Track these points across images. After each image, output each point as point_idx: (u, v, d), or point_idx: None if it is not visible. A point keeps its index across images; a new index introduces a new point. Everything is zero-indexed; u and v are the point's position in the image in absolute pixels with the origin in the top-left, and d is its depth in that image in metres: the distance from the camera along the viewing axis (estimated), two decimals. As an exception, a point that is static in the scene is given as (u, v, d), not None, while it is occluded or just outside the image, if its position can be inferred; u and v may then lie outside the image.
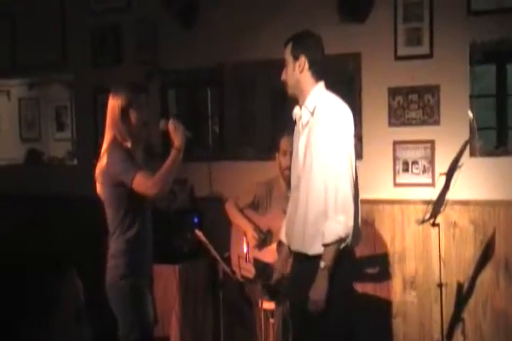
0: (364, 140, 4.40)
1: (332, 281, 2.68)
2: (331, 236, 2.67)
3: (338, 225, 2.66)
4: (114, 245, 3.11)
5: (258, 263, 3.90)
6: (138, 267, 3.11)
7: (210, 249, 3.75)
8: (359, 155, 4.38)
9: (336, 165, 2.70)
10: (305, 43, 2.85)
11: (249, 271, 3.87)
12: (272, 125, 4.78)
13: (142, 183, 3.00)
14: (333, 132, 2.71)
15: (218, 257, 3.79)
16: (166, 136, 3.17)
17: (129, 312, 3.06)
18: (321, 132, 2.74)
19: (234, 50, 4.80)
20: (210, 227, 4.39)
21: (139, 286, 3.10)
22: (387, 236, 4.37)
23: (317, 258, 2.71)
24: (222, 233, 4.23)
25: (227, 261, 3.98)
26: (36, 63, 5.51)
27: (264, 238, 4.01)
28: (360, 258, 3.94)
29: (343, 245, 2.70)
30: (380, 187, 4.36)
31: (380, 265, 4.37)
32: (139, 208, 3.12)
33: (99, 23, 5.27)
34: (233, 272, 3.86)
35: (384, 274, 4.36)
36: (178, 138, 3.08)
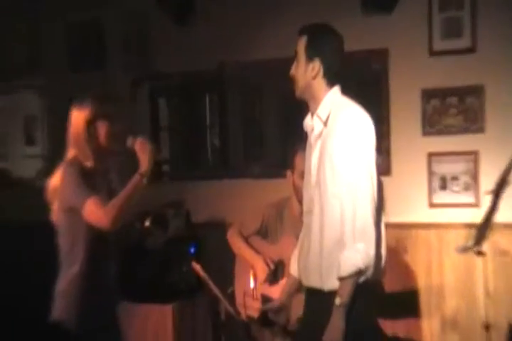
0: (393, 152, 4.41)
1: (351, 321, 2.67)
2: (347, 268, 2.66)
3: (357, 254, 2.66)
4: (60, 281, 3.12)
5: (267, 301, 3.88)
6: (84, 311, 3.08)
7: (210, 284, 3.72)
8: (387, 170, 4.40)
9: (354, 184, 2.69)
10: (322, 44, 2.83)
11: (256, 310, 3.80)
12: (282, 136, 4.81)
13: (92, 212, 3.01)
14: (350, 145, 2.70)
15: (220, 294, 3.76)
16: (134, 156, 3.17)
17: None
18: (336, 145, 2.72)
19: (236, 49, 4.83)
20: (209, 259, 4.38)
21: (89, 332, 3.08)
22: (421, 267, 4.36)
23: (334, 294, 2.70)
24: (224, 265, 4.21)
25: (231, 298, 3.95)
26: (1, 66, 5.54)
27: (275, 271, 3.98)
28: (389, 293, 3.92)
29: (362, 278, 2.69)
30: (413, 208, 4.37)
31: (413, 302, 4.36)
32: (95, 240, 3.10)
33: (78, 18, 5.30)
34: (237, 312, 3.84)
35: (418, 313, 4.34)
36: (144, 160, 3.08)
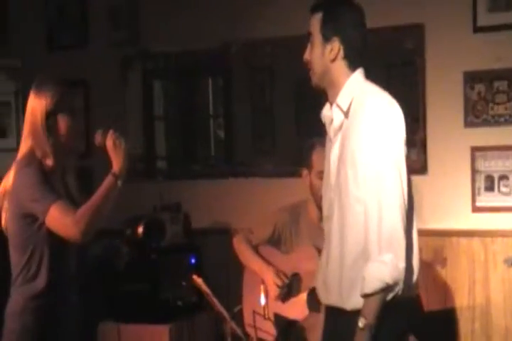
0: (429, 147, 4.41)
1: None
2: (373, 283, 2.64)
3: (383, 267, 2.64)
4: (13, 298, 3.10)
5: (281, 321, 3.90)
6: (42, 335, 3.08)
7: (214, 301, 3.74)
8: (423, 168, 4.41)
9: (380, 185, 2.68)
10: (340, 21, 2.81)
11: (268, 332, 3.87)
12: (297, 128, 4.81)
13: (58, 220, 2.98)
14: (375, 140, 2.69)
15: (225, 313, 3.77)
16: (105, 153, 3.14)
17: None
18: (359, 140, 2.71)
19: (244, 25, 4.84)
20: (212, 271, 4.42)
21: None
22: (463, 282, 4.36)
23: (357, 314, 2.67)
24: (230, 279, 4.27)
25: (238, 317, 3.96)
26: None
27: (289, 286, 4.00)
28: (425, 313, 3.93)
29: (390, 295, 2.67)
30: (453, 212, 4.38)
31: (454, 323, 4.35)
32: (56, 251, 3.09)
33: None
34: (246, 334, 3.85)
35: (459, 336, 4.34)
36: (118, 159, 3.08)
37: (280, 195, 4.52)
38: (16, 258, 3.12)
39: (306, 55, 2.86)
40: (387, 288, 2.65)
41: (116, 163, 3.07)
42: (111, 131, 3.11)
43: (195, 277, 3.78)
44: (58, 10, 5.38)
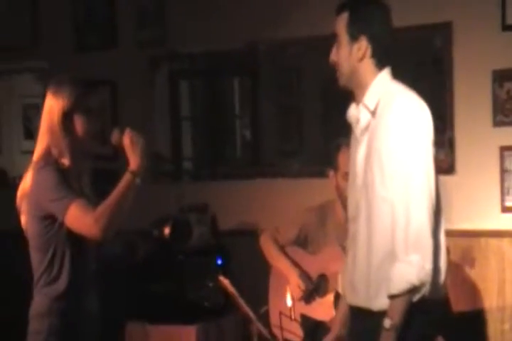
0: (458, 146, 4.39)
1: None
2: (399, 284, 2.65)
3: (410, 268, 2.65)
4: (37, 300, 3.12)
5: (307, 323, 3.90)
6: (68, 335, 3.10)
7: (240, 302, 3.73)
8: (451, 167, 4.39)
9: (407, 185, 2.68)
10: (368, 18, 2.81)
11: (294, 333, 3.85)
12: (324, 128, 4.80)
13: (78, 219, 2.98)
14: (403, 140, 2.69)
15: (252, 314, 3.76)
16: (121, 152, 3.12)
17: None
18: (386, 141, 2.71)
19: (271, 24, 4.82)
20: (239, 272, 4.41)
21: None
22: (492, 282, 4.33)
23: (383, 314, 2.69)
24: (256, 279, 4.25)
25: (265, 319, 3.97)
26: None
27: (316, 287, 3.99)
28: (454, 313, 3.91)
29: (417, 296, 2.67)
30: (482, 212, 4.35)
31: (483, 323, 4.33)
32: (76, 251, 3.10)
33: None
34: (273, 335, 3.84)
35: (489, 336, 4.32)
36: (135, 156, 3.05)
37: (307, 195, 4.52)
38: (37, 260, 3.13)
39: (333, 56, 2.86)
40: (414, 290, 2.67)
41: (134, 161, 3.05)
42: (128, 129, 3.10)
43: (221, 278, 3.78)
44: (86, 11, 5.41)
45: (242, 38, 4.91)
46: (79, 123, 3.12)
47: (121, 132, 3.10)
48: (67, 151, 3.10)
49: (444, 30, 4.39)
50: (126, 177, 3.03)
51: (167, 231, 4.51)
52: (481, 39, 4.35)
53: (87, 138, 3.14)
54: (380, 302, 2.72)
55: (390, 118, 2.72)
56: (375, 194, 2.74)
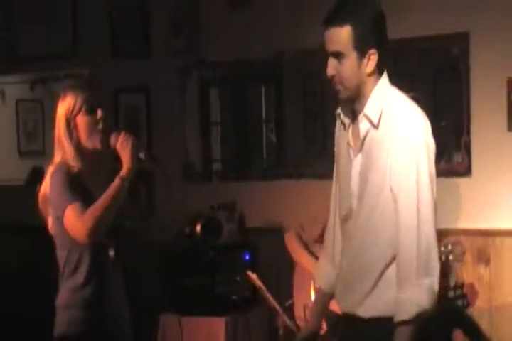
0: (474, 150, 4.36)
1: None
2: (409, 310, 2.47)
3: (422, 293, 2.48)
4: (62, 292, 3.13)
5: (330, 316, 3.89)
6: (89, 325, 3.10)
7: (267, 295, 3.76)
8: (467, 170, 4.36)
9: (416, 196, 2.50)
10: (374, 30, 2.54)
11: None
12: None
13: (70, 221, 2.96)
14: (412, 152, 2.51)
15: (278, 307, 3.79)
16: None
17: None
18: (395, 152, 2.52)
19: (296, 35, 4.84)
20: (265, 267, 4.43)
21: None
22: (507, 281, 4.31)
23: (375, 322, 2.56)
24: (282, 274, 4.26)
25: (290, 311, 3.97)
26: (39, 54, 5.63)
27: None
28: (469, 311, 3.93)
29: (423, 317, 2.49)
30: (498, 213, 4.32)
31: (498, 322, 4.30)
32: (90, 247, 3.06)
33: None
34: (297, 326, 3.84)
35: (504, 335, 4.29)
36: (126, 158, 2.98)
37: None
38: (60, 255, 3.12)
39: (331, 71, 2.59)
40: (424, 313, 2.48)
41: (124, 166, 2.98)
42: (122, 133, 3.04)
43: (249, 273, 3.81)
44: (122, 21, 5.43)
45: (268, 48, 4.93)
46: (81, 124, 3.05)
47: (117, 135, 3.03)
48: (74, 154, 3.05)
49: (461, 40, 4.38)
50: (115, 183, 2.96)
51: (198, 228, 4.55)
52: (496, 48, 4.34)
53: (90, 138, 3.06)
54: (368, 309, 2.58)
55: (397, 131, 2.52)
56: (378, 205, 2.56)
